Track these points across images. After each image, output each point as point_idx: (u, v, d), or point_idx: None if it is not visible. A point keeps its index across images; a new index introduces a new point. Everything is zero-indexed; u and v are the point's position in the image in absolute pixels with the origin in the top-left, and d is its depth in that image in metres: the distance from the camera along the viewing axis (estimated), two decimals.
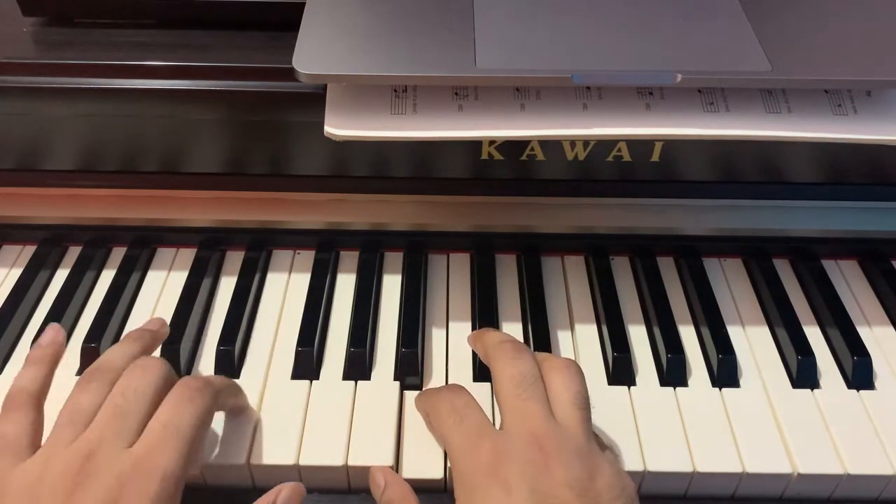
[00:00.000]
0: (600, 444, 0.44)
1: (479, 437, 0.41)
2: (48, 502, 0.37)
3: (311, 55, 0.43)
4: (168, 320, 0.54)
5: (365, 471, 0.46)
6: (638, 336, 0.55)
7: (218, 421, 0.47)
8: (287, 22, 0.47)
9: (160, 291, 0.57)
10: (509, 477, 0.39)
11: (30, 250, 0.60)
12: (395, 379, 0.51)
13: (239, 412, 0.48)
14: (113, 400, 0.41)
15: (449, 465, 0.45)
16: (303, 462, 0.46)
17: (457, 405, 0.43)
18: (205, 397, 0.42)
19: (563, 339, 0.54)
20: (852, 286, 0.59)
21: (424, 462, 0.46)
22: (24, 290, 0.56)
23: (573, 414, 0.42)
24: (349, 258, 0.60)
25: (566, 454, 0.39)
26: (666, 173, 0.55)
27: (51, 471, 0.38)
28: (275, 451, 0.46)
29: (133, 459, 0.39)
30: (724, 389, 0.51)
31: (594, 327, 0.55)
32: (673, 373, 0.51)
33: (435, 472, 0.46)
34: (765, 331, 0.55)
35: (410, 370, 0.51)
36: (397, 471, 0.47)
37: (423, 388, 0.51)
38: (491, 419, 0.44)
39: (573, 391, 0.43)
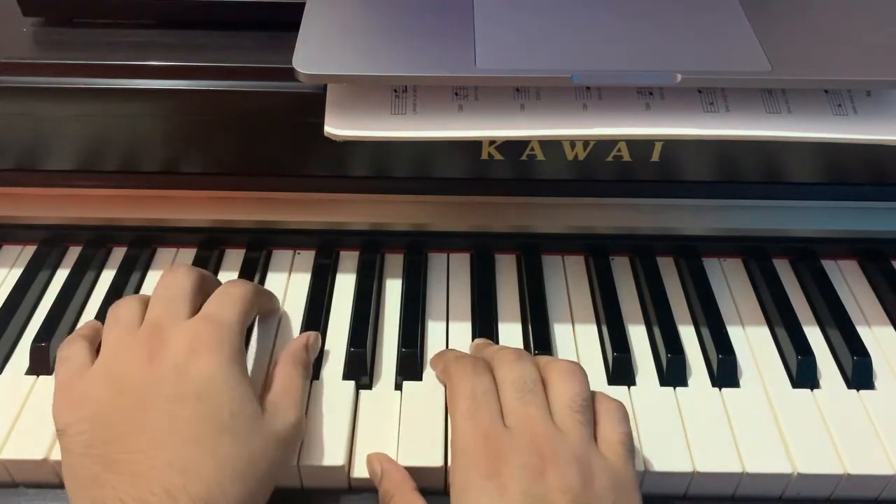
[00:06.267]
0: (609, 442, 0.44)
1: (485, 438, 0.41)
2: (133, 366, 0.42)
3: (311, 55, 0.43)
4: None
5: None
6: (638, 336, 0.55)
7: None
8: (287, 22, 0.47)
9: None
10: (505, 479, 0.39)
11: (30, 250, 0.60)
12: (395, 379, 0.51)
13: (271, 313, 0.55)
14: (158, 293, 0.47)
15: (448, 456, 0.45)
16: (304, 462, 0.46)
17: (476, 391, 0.43)
18: (246, 283, 0.49)
19: (563, 339, 0.54)
20: (852, 286, 0.59)
21: (422, 461, 0.46)
22: (24, 290, 0.56)
23: (572, 418, 0.42)
24: (349, 258, 0.60)
25: (563, 460, 0.40)
26: (666, 173, 0.55)
27: (124, 350, 0.44)
28: None
29: (198, 318, 0.45)
30: (724, 389, 0.51)
31: (594, 327, 0.55)
32: (673, 373, 0.51)
33: (434, 472, 0.46)
34: (765, 331, 0.55)
35: (410, 370, 0.51)
36: None
37: (424, 386, 0.51)
38: None
39: (572, 394, 0.43)
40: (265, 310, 0.54)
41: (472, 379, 0.44)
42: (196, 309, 0.46)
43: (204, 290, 0.48)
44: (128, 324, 0.45)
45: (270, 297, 0.54)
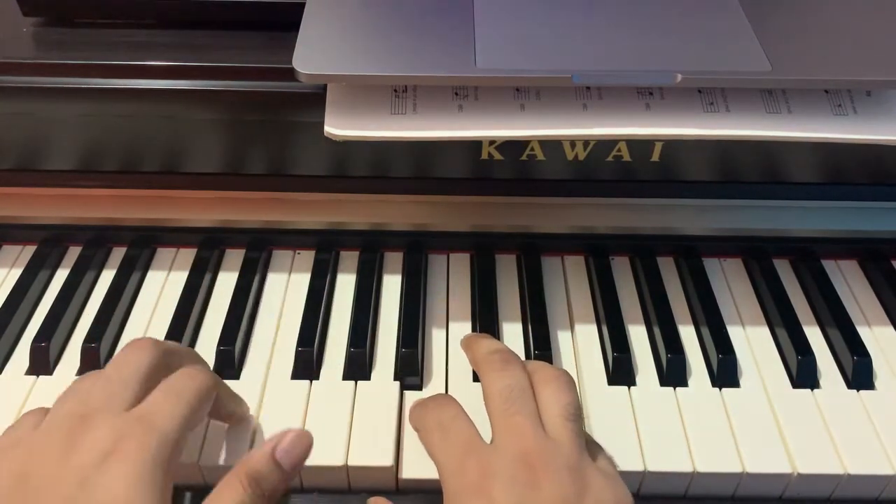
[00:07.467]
0: (596, 451, 0.43)
1: (465, 455, 0.40)
2: (44, 456, 0.37)
3: (311, 55, 0.43)
4: (168, 320, 0.54)
5: (365, 471, 0.46)
6: (638, 336, 0.55)
7: (218, 423, 0.47)
8: (287, 22, 0.47)
9: (160, 291, 0.57)
10: (496, 495, 0.38)
11: (30, 250, 0.60)
12: (395, 379, 0.51)
13: (239, 422, 0.47)
14: (106, 371, 0.41)
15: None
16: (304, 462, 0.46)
17: (443, 419, 0.43)
18: (207, 375, 0.42)
19: (563, 340, 0.54)
20: (852, 286, 0.59)
21: (424, 462, 0.46)
22: (24, 290, 0.56)
23: (563, 427, 0.41)
24: (349, 258, 0.60)
25: (555, 470, 0.39)
26: (666, 173, 0.55)
27: (47, 430, 0.39)
28: None
29: (131, 417, 0.39)
30: (724, 389, 0.51)
31: (594, 327, 0.55)
32: (673, 373, 0.51)
33: (435, 472, 0.46)
34: (765, 331, 0.55)
35: (410, 370, 0.51)
36: (397, 471, 0.47)
37: (423, 389, 0.51)
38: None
39: (563, 403, 0.42)
40: (225, 413, 0.46)
41: (438, 412, 0.44)
42: (147, 393, 0.41)
43: (168, 368, 0.43)
44: (73, 396, 0.40)
45: (235, 399, 0.47)
